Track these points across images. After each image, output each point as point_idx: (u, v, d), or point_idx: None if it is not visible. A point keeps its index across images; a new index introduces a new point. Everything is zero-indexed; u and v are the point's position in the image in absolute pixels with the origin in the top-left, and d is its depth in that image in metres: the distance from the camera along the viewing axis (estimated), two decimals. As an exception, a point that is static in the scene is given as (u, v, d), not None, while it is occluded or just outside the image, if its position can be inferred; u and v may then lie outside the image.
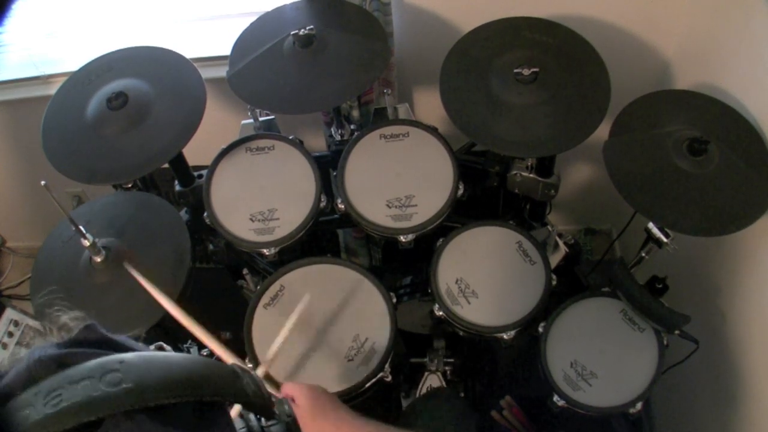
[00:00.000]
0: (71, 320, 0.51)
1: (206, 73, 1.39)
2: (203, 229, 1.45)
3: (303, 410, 0.86)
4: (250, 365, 1.22)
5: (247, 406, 0.50)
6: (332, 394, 0.93)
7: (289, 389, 0.90)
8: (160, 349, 0.50)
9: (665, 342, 1.31)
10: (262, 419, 0.51)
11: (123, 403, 0.41)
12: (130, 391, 0.41)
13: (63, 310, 0.52)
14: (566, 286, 1.53)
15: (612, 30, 1.64)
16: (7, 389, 0.43)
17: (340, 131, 1.60)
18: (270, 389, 0.89)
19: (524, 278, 1.36)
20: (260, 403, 0.51)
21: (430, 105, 1.87)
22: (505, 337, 1.32)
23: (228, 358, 0.88)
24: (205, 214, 1.38)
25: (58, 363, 0.44)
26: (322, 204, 1.38)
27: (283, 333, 1.10)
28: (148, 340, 1.19)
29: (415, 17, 1.66)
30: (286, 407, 0.55)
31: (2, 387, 0.43)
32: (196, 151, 1.38)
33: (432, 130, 1.44)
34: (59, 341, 0.48)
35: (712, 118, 1.28)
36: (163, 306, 0.95)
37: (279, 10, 1.50)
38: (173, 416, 0.43)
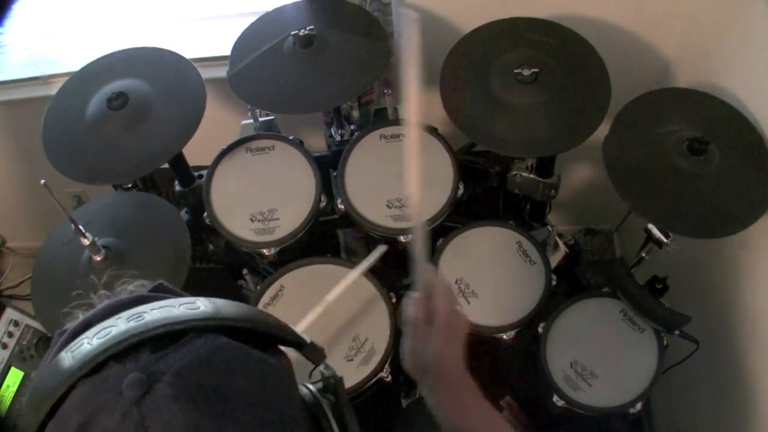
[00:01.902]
0: (137, 287, 0.54)
1: (206, 73, 1.39)
2: (203, 229, 1.45)
3: (434, 346, 0.74)
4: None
5: (302, 349, 0.54)
6: (462, 346, 0.77)
7: (443, 307, 0.75)
8: (160, 286, 0.52)
9: (665, 342, 1.31)
10: (312, 387, 0.54)
11: (202, 319, 0.44)
12: (208, 312, 0.45)
13: (128, 280, 0.55)
14: (566, 286, 1.54)
15: (612, 30, 1.64)
16: (88, 320, 0.46)
17: (340, 131, 1.60)
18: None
19: (524, 278, 1.36)
20: (314, 353, 0.55)
21: (430, 105, 1.86)
22: (504, 337, 1.32)
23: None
24: (205, 214, 1.38)
25: (137, 300, 0.48)
26: (322, 204, 1.39)
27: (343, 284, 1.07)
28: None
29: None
30: (333, 370, 0.57)
31: (85, 319, 0.47)
32: (197, 151, 1.38)
33: (432, 131, 1.44)
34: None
35: (712, 117, 1.28)
36: None
37: (279, 10, 1.50)
38: (245, 340, 0.46)
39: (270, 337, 0.50)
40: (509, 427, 0.77)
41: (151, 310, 0.45)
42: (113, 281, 0.57)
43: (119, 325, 0.43)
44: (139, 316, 0.44)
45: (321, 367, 0.56)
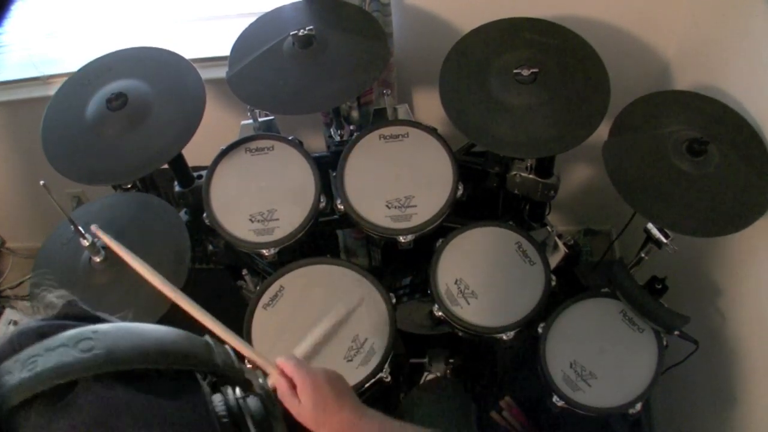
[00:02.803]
0: (57, 298, 0.53)
1: (206, 73, 1.39)
2: (203, 229, 1.45)
3: (303, 406, 0.80)
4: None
5: (219, 376, 0.52)
6: (336, 381, 0.84)
7: (289, 372, 0.82)
8: (71, 304, 0.52)
9: (665, 342, 1.31)
10: (238, 392, 0.53)
11: (93, 367, 0.43)
12: (100, 357, 0.43)
13: (49, 289, 0.54)
14: (566, 286, 1.54)
15: (612, 30, 1.64)
16: None
17: (339, 132, 1.60)
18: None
19: (524, 279, 1.36)
20: (232, 375, 0.52)
21: (429, 105, 1.87)
22: (504, 337, 1.32)
23: (238, 345, 0.82)
24: (205, 214, 1.38)
25: (38, 334, 0.46)
26: (322, 204, 1.38)
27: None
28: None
29: (414, 18, 1.66)
30: (260, 380, 0.56)
31: None
32: (196, 152, 1.38)
33: (431, 131, 1.44)
34: (43, 317, 0.50)
35: (712, 118, 1.28)
36: (160, 289, 0.91)
37: (278, 11, 1.50)
38: (144, 383, 0.45)
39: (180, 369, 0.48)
40: None
41: (46, 352, 0.43)
42: (35, 288, 0.57)
43: (15, 372, 0.42)
44: (34, 362, 0.43)
45: (260, 378, 0.56)
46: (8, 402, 0.41)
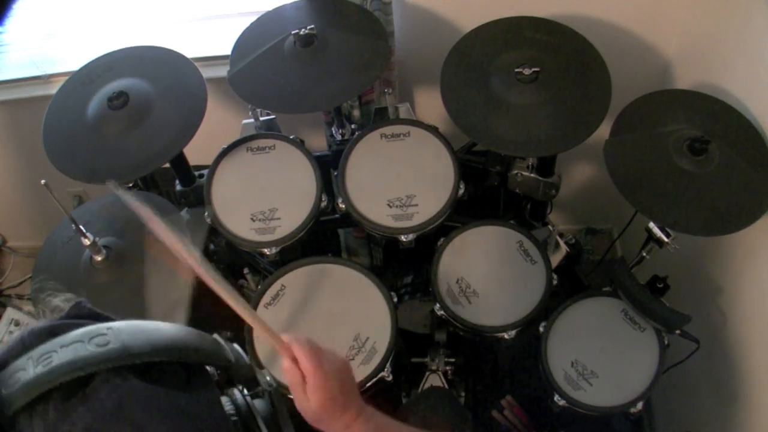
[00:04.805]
0: (62, 302, 0.53)
1: (207, 72, 1.39)
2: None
3: (309, 402, 0.76)
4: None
5: (229, 372, 0.52)
6: (345, 380, 0.80)
7: (301, 363, 0.77)
8: (79, 305, 0.52)
9: (666, 342, 1.31)
10: (245, 392, 0.54)
11: (109, 360, 0.43)
12: (116, 350, 0.44)
13: (54, 293, 0.54)
14: (567, 285, 1.54)
15: (613, 29, 1.64)
16: (3, 359, 0.45)
17: (340, 131, 1.60)
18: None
19: (525, 278, 1.36)
20: (241, 371, 0.53)
21: (430, 105, 1.87)
22: (505, 336, 1.32)
23: (257, 325, 0.78)
24: (206, 213, 1.38)
25: (50, 332, 0.46)
26: (323, 204, 1.39)
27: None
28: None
29: (415, 17, 1.66)
30: (268, 378, 0.56)
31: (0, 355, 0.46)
32: (197, 151, 1.38)
33: (433, 130, 1.44)
34: (51, 319, 0.50)
35: (712, 117, 1.28)
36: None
37: (279, 10, 1.50)
38: (158, 376, 0.45)
39: (193, 362, 0.49)
40: None
41: (61, 348, 0.44)
42: (39, 293, 0.57)
43: (29, 369, 0.43)
44: (48, 358, 0.43)
45: (267, 376, 0.57)
46: (22, 398, 0.41)
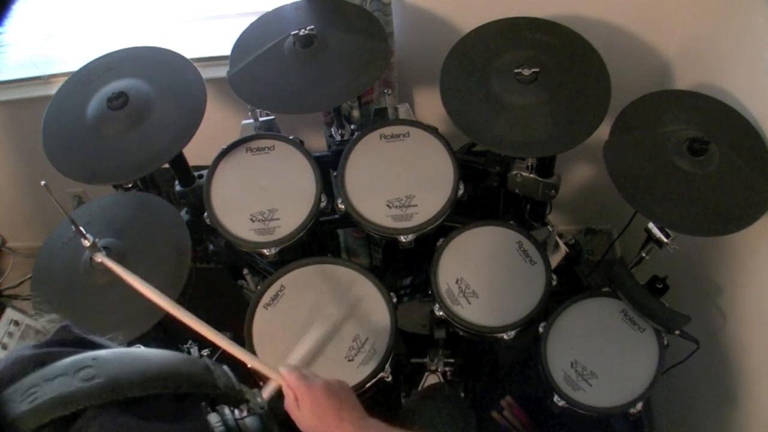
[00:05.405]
0: (48, 323, 0.52)
1: (206, 73, 1.39)
2: (203, 229, 1.45)
3: (304, 417, 0.86)
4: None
5: (220, 397, 0.52)
6: (337, 392, 0.90)
7: (291, 385, 0.88)
8: (65, 329, 0.51)
9: (665, 342, 1.31)
10: (236, 412, 0.53)
11: (95, 396, 0.42)
12: (102, 386, 0.43)
13: (39, 313, 0.53)
14: (566, 286, 1.53)
15: (612, 30, 1.64)
16: None
17: (340, 131, 1.60)
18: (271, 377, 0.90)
19: (524, 278, 1.36)
20: (232, 395, 0.52)
21: (430, 105, 1.87)
22: (505, 337, 1.32)
23: (236, 352, 0.89)
24: (206, 214, 1.38)
25: (35, 362, 0.45)
26: (323, 204, 1.38)
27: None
28: (147, 337, 1.19)
29: (415, 17, 1.66)
30: (259, 400, 0.56)
31: None
32: (197, 151, 1.38)
33: (432, 130, 1.44)
34: (36, 343, 0.49)
35: (712, 118, 1.28)
36: (156, 302, 0.94)
37: (279, 10, 1.50)
38: (147, 409, 0.44)
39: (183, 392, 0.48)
40: None
41: (45, 382, 0.43)
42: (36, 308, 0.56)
43: (15, 402, 0.42)
44: (34, 394, 0.42)
45: (258, 398, 0.57)
46: None
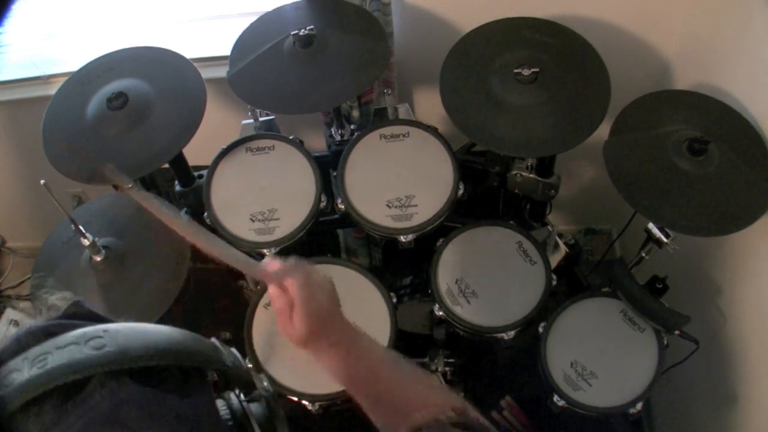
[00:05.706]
0: (59, 300, 0.53)
1: (206, 73, 1.39)
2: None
3: (295, 328, 0.77)
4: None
5: (227, 376, 0.52)
6: (332, 299, 0.82)
7: (292, 292, 0.78)
8: (77, 304, 0.52)
9: (665, 342, 1.31)
10: (242, 396, 0.54)
11: (105, 364, 0.43)
12: (112, 354, 0.44)
13: (51, 291, 0.54)
14: (566, 286, 1.54)
15: (612, 30, 1.64)
16: None
17: (340, 131, 1.60)
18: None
19: (524, 278, 1.36)
20: (239, 375, 0.53)
21: (430, 105, 1.86)
22: (505, 337, 1.32)
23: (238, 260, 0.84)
24: (206, 214, 1.38)
25: (46, 333, 0.46)
26: (323, 204, 1.38)
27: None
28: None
29: (415, 17, 1.66)
30: (265, 383, 0.57)
31: None
32: (197, 151, 1.38)
33: (432, 130, 1.44)
34: (48, 318, 0.50)
35: (712, 118, 1.28)
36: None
37: (279, 11, 1.50)
38: (155, 380, 0.45)
39: (190, 366, 0.48)
40: (427, 377, 0.79)
41: (56, 349, 0.43)
42: (37, 290, 0.57)
43: (23, 370, 0.42)
44: (44, 360, 0.43)
45: (264, 381, 0.57)
46: (17, 399, 0.41)
